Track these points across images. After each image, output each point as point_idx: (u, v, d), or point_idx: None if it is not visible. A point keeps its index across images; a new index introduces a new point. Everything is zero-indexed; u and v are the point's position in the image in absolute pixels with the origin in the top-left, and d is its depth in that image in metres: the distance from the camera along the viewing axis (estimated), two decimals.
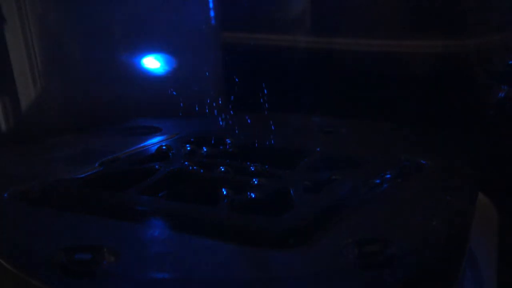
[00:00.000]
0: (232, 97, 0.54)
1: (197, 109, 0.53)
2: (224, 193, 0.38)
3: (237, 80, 0.54)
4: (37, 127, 0.54)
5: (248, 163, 0.45)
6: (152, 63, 0.60)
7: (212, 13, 0.58)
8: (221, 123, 0.54)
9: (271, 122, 0.54)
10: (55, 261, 0.29)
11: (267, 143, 0.50)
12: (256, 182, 0.40)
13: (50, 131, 0.53)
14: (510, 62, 0.50)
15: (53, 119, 0.55)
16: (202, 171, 0.43)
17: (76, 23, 0.56)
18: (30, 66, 0.53)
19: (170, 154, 0.48)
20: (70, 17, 0.56)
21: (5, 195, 0.39)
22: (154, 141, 0.52)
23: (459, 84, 0.52)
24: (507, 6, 0.49)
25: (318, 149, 0.47)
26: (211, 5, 0.57)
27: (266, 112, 0.56)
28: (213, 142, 0.50)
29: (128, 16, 0.57)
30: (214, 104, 0.53)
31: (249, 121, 0.55)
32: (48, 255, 0.30)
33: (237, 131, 0.53)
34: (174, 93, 0.53)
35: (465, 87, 0.52)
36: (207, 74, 0.57)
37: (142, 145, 0.51)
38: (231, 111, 0.54)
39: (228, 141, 0.51)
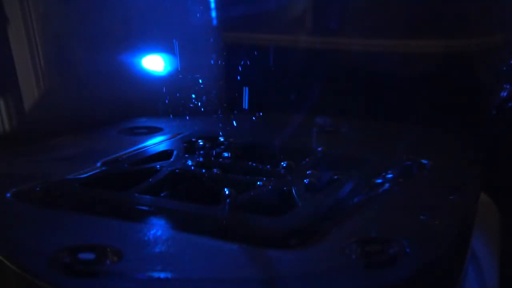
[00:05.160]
0: (233, 96, 0.54)
1: (198, 109, 0.53)
2: (226, 193, 0.38)
3: (238, 80, 0.54)
4: (40, 127, 0.54)
5: (250, 162, 0.45)
6: (153, 63, 0.60)
7: (213, 13, 0.58)
8: (222, 123, 0.54)
9: (272, 122, 0.54)
10: (58, 261, 0.29)
11: (268, 142, 0.50)
12: (258, 182, 0.40)
13: (53, 131, 0.53)
14: None
15: (55, 119, 0.55)
16: (203, 171, 0.43)
17: (79, 23, 0.56)
18: (33, 67, 0.53)
19: (171, 154, 0.48)
20: (73, 17, 0.56)
21: (8, 195, 0.39)
22: (156, 141, 0.52)
23: (461, 83, 0.52)
24: (509, 5, 0.49)
25: (320, 148, 0.47)
26: (212, 5, 0.57)
27: (267, 112, 0.56)
28: (214, 142, 0.50)
29: (130, 17, 0.57)
30: (215, 104, 0.53)
31: (250, 121, 0.55)
32: (51, 254, 0.30)
33: (238, 131, 0.53)
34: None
35: (467, 87, 0.52)
36: (208, 74, 0.57)
37: (143, 145, 0.51)
38: (233, 111, 0.54)
39: (230, 141, 0.51)
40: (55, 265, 0.29)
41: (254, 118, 0.54)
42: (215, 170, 0.44)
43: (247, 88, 0.53)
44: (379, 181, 0.41)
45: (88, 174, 0.43)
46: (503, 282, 0.40)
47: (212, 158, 0.46)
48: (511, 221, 0.45)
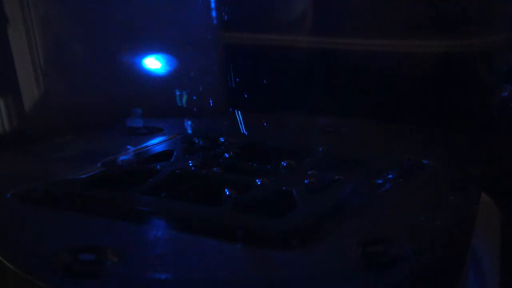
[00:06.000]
0: (234, 96, 0.54)
1: (198, 109, 0.53)
2: (227, 193, 0.38)
3: (238, 79, 0.54)
4: (40, 127, 0.54)
5: (251, 163, 0.45)
6: (154, 63, 0.60)
7: (213, 13, 0.58)
8: (222, 123, 0.54)
9: (273, 122, 0.54)
10: (59, 262, 0.29)
11: (269, 143, 0.50)
12: (258, 182, 0.40)
13: (53, 131, 0.53)
14: None
15: (55, 119, 0.55)
16: (204, 171, 0.43)
17: (79, 23, 0.56)
18: (33, 67, 0.53)
19: (172, 154, 0.48)
20: (73, 17, 0.56)
21: (8, 195, 0.39)
22: (156, 141, 0.52)
23: (462, 83, 0.52)
24: (511, 5, 0.49)
25: (320, 149, 0.47)
26: (212, 5, 0.57)
27: (267, 112, 0.55)
28: (215, 142, 0.50)
29: (130, 17, 0.57)
30: (215, 104, 0.53)
31: (251, 121, 0.55)
32: (52, 255, 0.30)
33: (239, 131, 0.53)
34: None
35: (468, 87, 0.52)
36: (208, 74, 0.57)
37: (144, 145, 0.51)
38: (233, 111, 0.54)
39: (230, 141, 0.50)
40: (55, 266, 0.29)
41: (254, 118, 0.54)
42: (215, 170, 0.44)
43: (248, 88, 0.53)
44: (380, 181, 0.41)
45: (88, 174, 0.43)
46: (504, 282, 0.40)
47: (213, 158, 0.46)
48: None
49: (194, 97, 0.54)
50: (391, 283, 0.29)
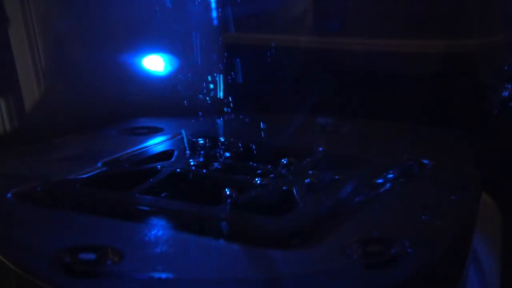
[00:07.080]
0: (234, 97, 0.54)
1: (198, 109, 0.53)
2: (227, 193, 0.38)
3: (238, 80, 0.54)
4: (40, 127, 0.54)
5: (251, 163, 0.45)
6: (154, 63, 0.60)
7: (213, 13, 0.58)
8: (223, 123, 0.54)
9: (273, 122, 0.54)
10: (59, 261, 0.29)
11: (269, 143, 0.50)
12: (258, 182, 0.40)
13: (53, 131, 0.53)
14: None
15: (56, 119, 0.55)
16: (204, 171, 0.43)
17: (80, 23, 0.56)
18: (34, 67, 0.53)
19: (172, 154, 0.48)
20: (73, 17, 0.56)
21: (9, 195, 0.39)
22: (156, 141, 0.52)
23: (462, 83, 0.52)
24: (510, 4, 0.49)
25: (321, 149, 0.47)
26: (212, 5, 0.57)
27: (268, 112, 0.56)
28: (215, 142, 0.50)
29: (131, 16, 0.57)
30: (215, 104, 0.53)
31: (251, 121, 0.55)
32: (52, 255, 0.30)
33: (239, 131, 0.53)
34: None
35: (468, 86, 0.52)
36: (208, 74, 0.57)
37: (144, 145, 0.51)
38: (233, 111, 0.54)
39: (231, 141, 0.50)
40: (56, 266, 0.29)
41: (254, 118, 0.54)
42: (215, 170, 0.44)
43: (248, 88, 0.53)
44: (380, 181, 0.41)
45: (89, 174, 0.43)
46: (504, 282, 0.40)
47: (213, 158, 0.46)
48: None
49: (194, 97, 0.54)
50: (391, 283, 0.29)
